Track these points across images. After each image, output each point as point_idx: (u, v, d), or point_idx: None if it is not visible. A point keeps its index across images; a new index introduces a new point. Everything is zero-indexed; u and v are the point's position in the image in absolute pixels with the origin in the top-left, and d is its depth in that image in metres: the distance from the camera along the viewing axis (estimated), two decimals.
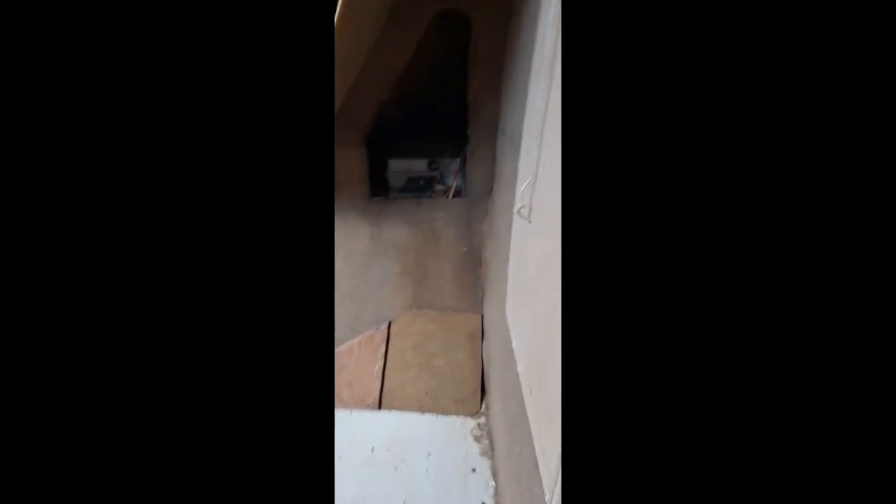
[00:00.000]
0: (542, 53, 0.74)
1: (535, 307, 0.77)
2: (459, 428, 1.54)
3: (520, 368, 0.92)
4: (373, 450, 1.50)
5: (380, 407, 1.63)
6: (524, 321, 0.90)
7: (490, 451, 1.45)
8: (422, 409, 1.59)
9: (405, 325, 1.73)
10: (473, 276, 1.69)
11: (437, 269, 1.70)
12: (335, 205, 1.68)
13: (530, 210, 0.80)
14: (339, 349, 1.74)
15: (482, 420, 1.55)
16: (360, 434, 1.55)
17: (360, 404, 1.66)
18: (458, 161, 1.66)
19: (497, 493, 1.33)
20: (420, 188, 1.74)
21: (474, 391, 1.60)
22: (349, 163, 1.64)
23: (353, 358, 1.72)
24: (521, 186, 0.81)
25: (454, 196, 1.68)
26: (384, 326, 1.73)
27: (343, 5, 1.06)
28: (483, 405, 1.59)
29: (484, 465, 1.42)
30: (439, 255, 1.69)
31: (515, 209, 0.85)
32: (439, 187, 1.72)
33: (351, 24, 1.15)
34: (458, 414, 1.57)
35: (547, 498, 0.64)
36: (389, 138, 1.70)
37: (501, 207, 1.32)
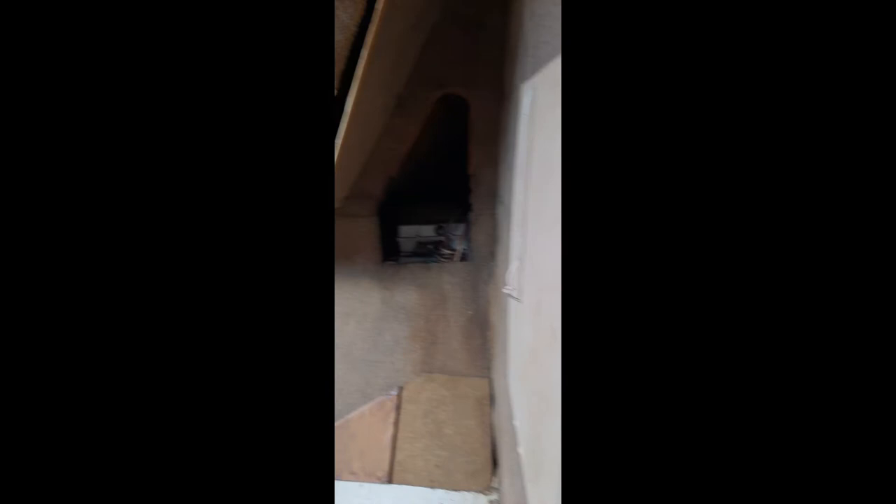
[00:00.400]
0: (521, 152, 0.80)
1: (528, 392, 0.77)
2: None
3: (520, 450, 0.89)
4: None
5: (390, 480, 1.57)
6: (521, 400, 0.89)
7: None
8: (432, 484, 1.52)
9: (416, 390, 1.71)
10: (481, 339, 1.69)
11: (447, 333, 1.71)
12: (349, 270, 1.76)
13: (521, 291, 0.82)
14: (351, 416, 1.73)
15: (494, 497, 1.46)
16: None
17: (370, 476, 1.60)
18: (463, 226, 1.73)
19: None
20: (428, 252, 1.81)
21: (485, 463, 1.53)
22: (362, 230, 1.73)
23: (364, 425, 1.70)
24: (511, 269, 0.84)
25: (461, 260, 1.73)
26: (395, 393, 1.71)
27: (356, 97, 1.19)
28: (495, 479, 1.50)
29: None
30: (448, 318, 1.71)
31: (505, 290, 0.88)
32: (446, 251, 1.77)
33: (361, 112, 1.28)
34: (469, 489, 1.49)
35: None
36: (399, 206, 1.80)
37: (503, 273, 1.35)
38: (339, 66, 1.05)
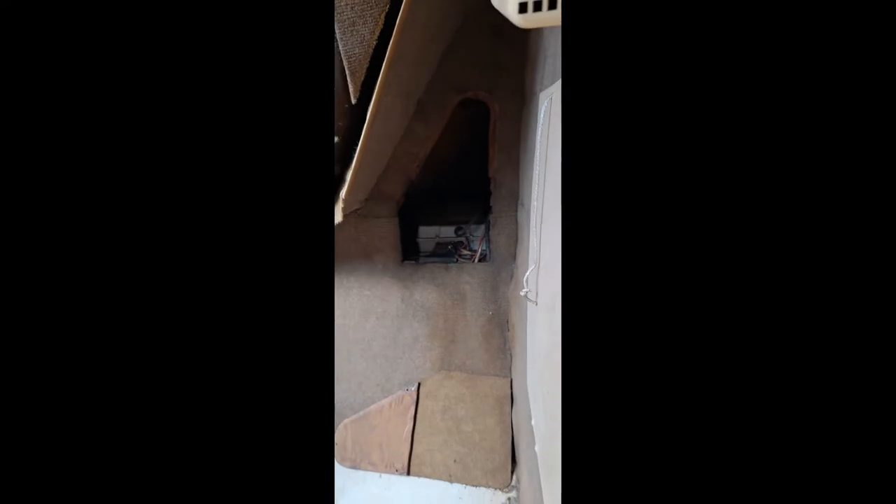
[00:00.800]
0: (537, 159, 0.82)
1: (543, 393, 0.79)
2: (489, 502, 1.49)
3: (537, 448, 0.92)
4: None
5: (409, 472, 1.63)
6: (538, 400, 0.91)
7: None
8: (450, 479, 1.57)
9: (435, 386, 1.75)
10: (501, 340, 1.71)
11: (466, 332, 1.74)
12: (370, 269, 1.81)
13: (536, 294, 0.84)
14: (371, 409, 1.79)
15: (513, 494, 1.49)
16: (388, 501, 1.55)
17: (389, 468, 1.66)
18: (483, 228, 1.75)
19: None
20: (448, 252, 1.84)
21: (504, 461, 1.56)
22: (382, 231, 1.78)
23: (383, 418, 1.76)
24: (526, 273, 0.86)
25: (479, 261, 1.75)
26: (414, 388, 1.76)
27: (375, 104, 1.23)
28: (514, 477, 1.53)
29: None
30: (467, 317, 1.74)
31: (522, 293, 0.90)
32: (466, 252, 1.80)
33: (381, 118, 1.32)
34: (487, 486, 1.53)
35: None
36: (419, 207, 1.84)
37: (523, 275, 1.37)
38: (359, 77, 1.09)
